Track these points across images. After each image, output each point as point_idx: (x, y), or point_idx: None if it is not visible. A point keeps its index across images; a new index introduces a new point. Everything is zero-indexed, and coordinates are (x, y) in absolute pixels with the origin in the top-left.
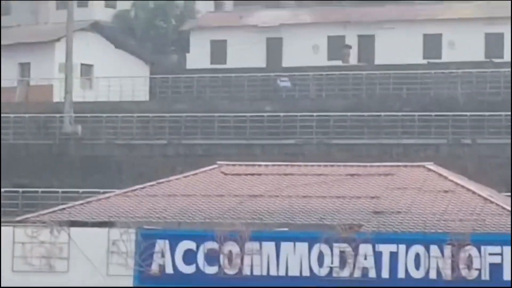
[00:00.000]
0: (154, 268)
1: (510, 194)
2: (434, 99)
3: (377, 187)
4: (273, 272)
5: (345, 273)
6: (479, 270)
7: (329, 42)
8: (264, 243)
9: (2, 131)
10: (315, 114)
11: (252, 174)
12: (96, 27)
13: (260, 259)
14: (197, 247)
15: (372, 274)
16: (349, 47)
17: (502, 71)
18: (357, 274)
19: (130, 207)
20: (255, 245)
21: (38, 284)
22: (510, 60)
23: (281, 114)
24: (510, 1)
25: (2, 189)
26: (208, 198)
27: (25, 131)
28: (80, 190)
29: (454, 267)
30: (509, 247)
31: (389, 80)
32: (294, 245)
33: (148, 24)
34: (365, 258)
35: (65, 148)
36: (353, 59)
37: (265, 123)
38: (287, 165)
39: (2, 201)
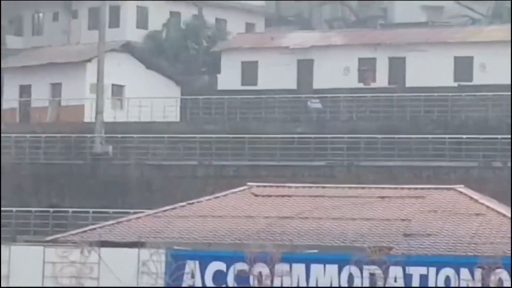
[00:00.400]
0: None
1: None
2: (465, 122)
3: (408, 209)
4: None
5: None
6: None
7: (360, 64)
8: (294, 265)
9: (33, 150)
10: (345, 136)
11: (283, 196)
12: (127, 47)
13: (290, 281)
14: (227, 268)
15: None
16: (369, 70)
17: None
18: None
19: (160, 228)
20: (285, 266)
21: None
22: None
23: (312, 135)
24: None
25: (33, 209)
26: (239, 219)
27: (56, 151)
28: (111, 211)
29: None
30: None
31: (420, 103)
32: (324, 267)
33: (179, 45)
34: (395, 281)
35: (96, 168)
36: (383, 81)
37: (296, 145)
38: (317, 187)
39: (33, 221)
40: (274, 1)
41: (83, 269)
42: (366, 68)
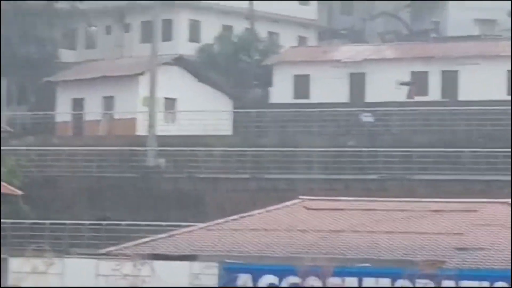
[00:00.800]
0: None
1: None
2: None
3: (461, 223)
4: None
5: None
6: None
7: (413, 77)
8: (347, 279)
9: (86, 163)
10: (398, 149)
11: (335, 209)
12: (180, 61)
13: None
14: (280, 282)
15: None
16: (411, 83)
17: None
18: None
19: (213, 241)
20: (337, 280)
21: None
22: None
23: (364, 149)
24: None
25: (86, 222)
26: (291, 233)
27: (109, 164)
28: (163, 224)
29: None
30: None
31: (472, 116)
32: (377, 281)
33: (231, 58)
34: None
35: (148, 182)
36: (436, 95)
37: (348, 158)
38: (369, 200)
39: (86, 234)
40: (326, 14)
41: (135, 282)
42: (410, 81)
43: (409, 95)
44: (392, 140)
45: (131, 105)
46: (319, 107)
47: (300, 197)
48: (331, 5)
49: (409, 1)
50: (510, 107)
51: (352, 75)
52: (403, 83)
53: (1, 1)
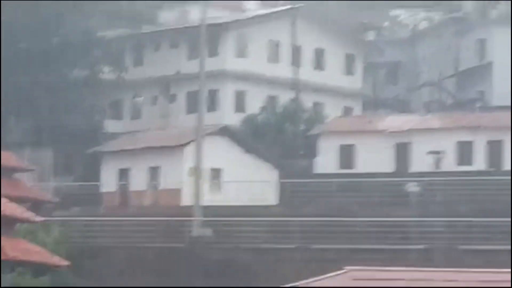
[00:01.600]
0: None
1: None
2: None
3: None
4: None
5: None
6: None
7: (457, 147)
8: None
9: (133, 234)
10: (444, 219)
11: (382, 280)
12: (225, 131)
13: None
14: None
15: None
16: (439, 152)
17: None
18: None
19: None
20: None
21: None
22: None
23: (410, 219)
24: None
25: None
26: None
27: (156, 235)
28: None
29: None
30: None
31: None
32: None
33: (277, 128)
34: None
35: (194, 252)
36: (481, 164)
37: (394, 228)
38: (417, 270)
39: None
40: (371, 84)
41: None
42: (439, 151)
43: (437, 165)
44: (438, 210)
45: (177, 176)
46: (365, 177)
47: (347, 267)
48: (376, 75)
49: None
50: None
51: (397, 145)
52: (431, 152)
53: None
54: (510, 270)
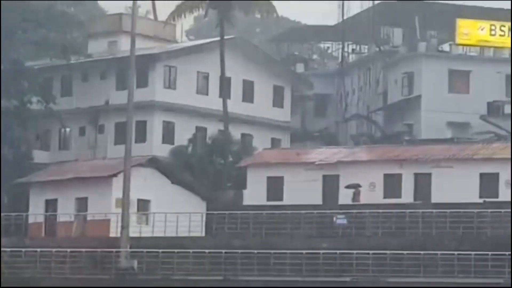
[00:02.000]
0: None
1: None
2: (490, 238)
3: None
4: None
5: None
6: None
7: (385, 180)
8: None
9: (59, 265)
10: (371, 251)
11: None
12: (153, 162)
13: None
14: None
15: None
16: (356, 185)
17: None
18: None
19: None
20: None
21: None
22: None
23: (338, 251)
24: None
25: None
26: None
27: (83, 266)
28: None
29: None
30: None
31: (445, 219)
32: None
33: (205, 160)
34: None
35: (122, 283)
36: (409, 197)
37: (322, 260)
38: None
39: None
40: (300, 116)
41: None
42: (355, 184)
43: (355, 198)
44: (366, 243)
45: (105, 207)
46: (293, 209)
47: None
48: (305, 107)
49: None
50: (482, 210)
51: (325, 177)
52: (348, 186)
53: None
54: None
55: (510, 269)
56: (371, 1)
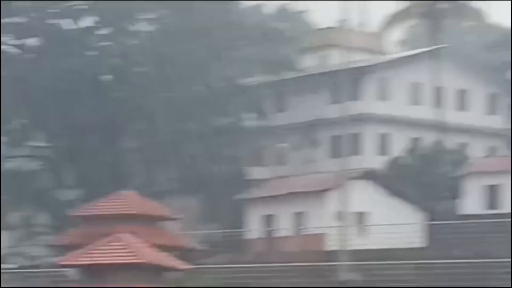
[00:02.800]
0: None
1: None
2: None
3: None
4: None
5: None
6: None
7: None
8: None
9: (280, 280)
10: None
11: None
12: (370, 174)
13: None
14: None
15: None
16: None
17: None
18: None
19: None
20: None
21: None
22: None
23: None
24: None
25: None
26: None
27: (304, 280)
28: None
29: None
30: None
31: None
32: None
33: (421, 170)
34: None
35: None
36: None
37: None
38: None
39: None
40: None
41: None
42: None
43: None
44: None
45: (321, 220)
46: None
47: None
48: None
49: None
50: None
51: None
52: None
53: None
54: None
55: None
56: None
